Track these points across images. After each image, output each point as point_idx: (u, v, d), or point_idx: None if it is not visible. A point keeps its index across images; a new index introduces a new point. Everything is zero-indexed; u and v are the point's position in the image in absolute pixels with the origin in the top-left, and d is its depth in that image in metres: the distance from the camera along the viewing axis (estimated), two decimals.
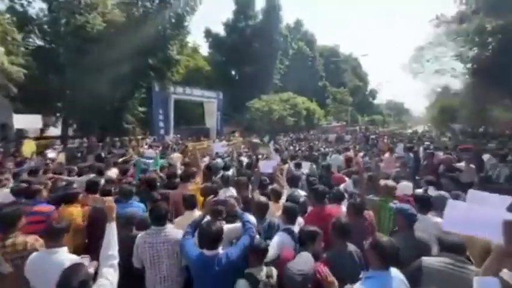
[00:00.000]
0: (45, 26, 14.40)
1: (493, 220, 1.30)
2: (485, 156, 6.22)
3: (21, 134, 15.62)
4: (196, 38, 73.29)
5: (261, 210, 2.51)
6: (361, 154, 8.90)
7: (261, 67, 27.70)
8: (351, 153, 7.45)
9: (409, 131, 28.48)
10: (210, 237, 1.96)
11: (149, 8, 14.34)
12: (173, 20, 14.53)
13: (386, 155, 7.23)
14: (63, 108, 14.50)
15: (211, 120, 21.02)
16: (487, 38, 6.18)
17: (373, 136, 16.23)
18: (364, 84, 56.01)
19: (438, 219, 2.64)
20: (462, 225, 1.37)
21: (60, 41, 13.75)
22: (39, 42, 14.73)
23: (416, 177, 5.77)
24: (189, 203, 2.81)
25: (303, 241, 1.89)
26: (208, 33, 29.69)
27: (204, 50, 30.75)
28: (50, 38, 14.42)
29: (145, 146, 12.23)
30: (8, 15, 11.16)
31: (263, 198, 2.66)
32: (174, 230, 2.30)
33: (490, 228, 1.30)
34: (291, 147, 11.86)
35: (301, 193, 3.42)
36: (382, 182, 3.25)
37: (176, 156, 7.96)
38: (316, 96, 33.72)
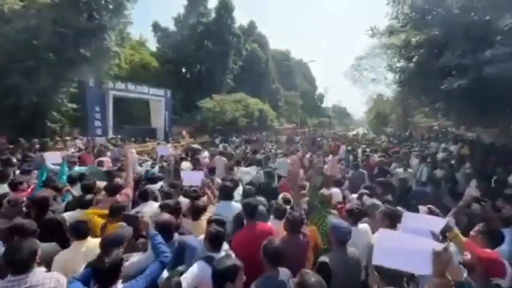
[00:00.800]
0: None
1: (424, 251, 1.19)
2: (412, 159, 6.91)
3: None
4: (143, 32, 68.12)
5: (164, 229, 2.11)
6: (308, 156, 9.18)
7: (213, 66, 27.03)
8: (296, 156, 7.52)
9: (351, 133, 31.15)
10: (102, 273, 1.51)
11: None
12: (110, 7, 12.92)
13: (330, 157, 7.49)
14: None
15: (159, 120, 19.52)
16: (411, 52, 6.91)
17: (319, 138, 17.10)
18: (313, 88, 59.64)
19: (367, 227, 2.63)
20: (393, 258, 1.23)
21: None
22: None
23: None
24: (76, 231, 2.20)
25: (219, 282, 1.56)
26: (156, 27, 27.77)
27: (152, 44, 28.66)
28: None
29: (73, 150, 10.55)
30: None
31: (166, 216, 2.27)
32: (45, 276, 1.66)
33: (420, 261, 1.19)
34: (237, 150, 11.63)
35: (235, 206, 3.04)
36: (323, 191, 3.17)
37: (107, 161, 6.93)
38: (268, 98, 34.40)
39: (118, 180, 3.63)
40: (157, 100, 19.12)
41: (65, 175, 4.09)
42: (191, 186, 3.53)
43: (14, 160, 7.98)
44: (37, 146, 10.78)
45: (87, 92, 13.77)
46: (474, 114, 6.78)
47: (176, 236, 2.23)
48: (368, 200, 3.30)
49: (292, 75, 46.50)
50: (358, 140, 15.28)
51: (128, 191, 3.37)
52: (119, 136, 14.78)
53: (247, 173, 5.35)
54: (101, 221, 2.53)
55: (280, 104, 39.77)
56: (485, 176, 5.15)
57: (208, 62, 26.90)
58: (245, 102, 23.91)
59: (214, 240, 2.00)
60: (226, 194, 3.11)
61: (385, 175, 5.50)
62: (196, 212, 2.75)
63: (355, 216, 2.60)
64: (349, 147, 11.09)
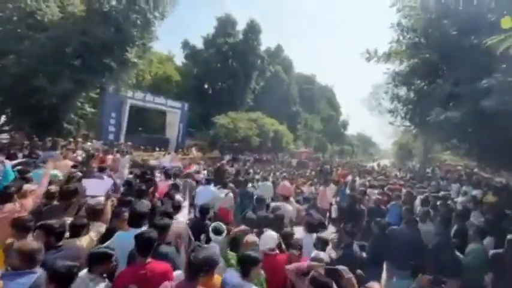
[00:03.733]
0: None
1: None
2: (417, 201, 6.01)
3: None
4: (171, 48, 72.99)
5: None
6: (309, 183, 8.49)
7: (235, 85, 27.66)
8: (287, 182, 6.94)
9: (373, 164, 29.36)
10: None
11: (113, 6, 13.61)
12: (139, 22, 13.85)
13: (321, 188, 6.84)
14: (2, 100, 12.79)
15: (173, 131, 19.98)
16: (409, 78, 6.24)
17: (327, 166, 16.27)
18: (337, 114, 58.46)
19: None
20: None
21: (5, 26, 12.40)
22: None
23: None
24: None
25: None
26: (185, 45, 29.45)
27: (179, 60, 30.32)
28: None
29: (79, 152, 10.87)
30: None
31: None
32: None
33: None
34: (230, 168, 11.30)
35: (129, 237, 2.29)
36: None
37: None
38: (288, 120, 34.14)
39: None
40: (174, 112, 19.70)
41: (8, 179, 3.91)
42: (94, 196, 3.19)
43: (20, 155, 8.36)
44: (48, 145, 11.35)
45: (105, 98, 14.51)
46: (489, 154, 5.80)
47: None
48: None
49: (315, 99, 46.17)
50: (370, 171, 14.20)
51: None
52: (129, 143, 15.18)
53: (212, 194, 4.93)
54: None
55: (299, 127, 39.25)
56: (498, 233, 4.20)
57: (231, 80, 27.64)
58: (261, 121, 23.80)
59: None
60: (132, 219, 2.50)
61: (374, 216, 4.74)
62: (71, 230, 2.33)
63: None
64: (357, 178, 10.23)
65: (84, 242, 2.27)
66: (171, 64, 26.86)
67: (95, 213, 2.69)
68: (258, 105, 30.39)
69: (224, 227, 2.80)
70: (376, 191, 6.73)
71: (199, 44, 29.88)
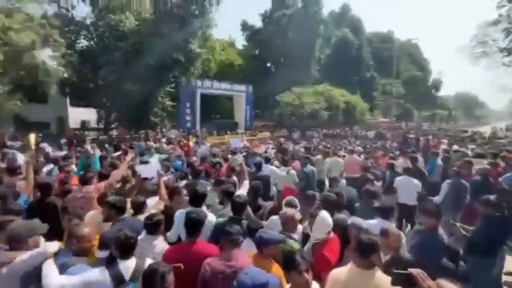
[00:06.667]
0: (91, 28, 15.78)
1: None
2: None
3: (85, 126, 18.25)
4: (232, 33, 74.11)
5: None
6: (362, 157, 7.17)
7: (297, 58, 26.21)
8: (357, 156, 6.11)
9: (481, 128, 23.33)
10: None
11: (175, 3, 14.53)
12: (196, 12, 14.44)
13: (400, 160, 5.76)
14: (105, 101, 15.91)
15: (240, 114, 20.76)
16: None
17: (411, 135, 13.70)
18: (425, 74, 48.80)
19: None
20: None
21: (100, 41, 14.99)
22: (86, 43, 16.31)
23: None
24: None
25: None
26: (244, 26, 29.38)
27: (240, 43, 30.65)
28: (95, 38, 15.78)
29: (163, 140, 12.51)
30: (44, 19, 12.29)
31: None
32: None
33: None
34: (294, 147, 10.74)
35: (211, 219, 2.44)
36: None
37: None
38: (361, 89, 30.61)
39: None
40: (240, 95, 20.31)
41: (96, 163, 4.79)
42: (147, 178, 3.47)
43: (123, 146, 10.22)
44: (141, 136, 13.52)
45: (180, 91, 16.05)
46: None
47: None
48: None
49: (394, 60, 39.60)
50: (474, 138, 11.27)
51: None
52: (204, 129, 16.58)
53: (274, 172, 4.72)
54: None
55: (375, 95, 34.75)
56: None
57: (293, 54, 26.30)
58: (328, 94, 22.06)
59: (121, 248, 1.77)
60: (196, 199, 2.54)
61: (481, 192, 3.62)
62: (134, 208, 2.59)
63: None
64: (455, 147, 8.24)
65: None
66: (233, 49, 27.44)
67: (149, 192, 3.09)
68: (325, 76, 28.17)
69: (296, 201, 2.60)
70: (485, 161, 5.20)
71: (258, 23, 29.41)
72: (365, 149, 10.37)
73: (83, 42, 16.16)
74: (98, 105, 17.18)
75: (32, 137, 6.40)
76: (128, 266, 1.73)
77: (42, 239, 1.98)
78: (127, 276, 1.70)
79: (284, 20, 26.63)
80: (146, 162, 4.29)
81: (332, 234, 2.20)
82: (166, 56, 14.23)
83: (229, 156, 6.76)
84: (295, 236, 2.29)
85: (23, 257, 1.71)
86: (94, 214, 2.57)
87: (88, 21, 15.60)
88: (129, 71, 13.51)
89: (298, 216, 2.29)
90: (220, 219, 2.46)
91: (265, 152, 8.78)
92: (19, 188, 3.10)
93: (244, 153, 7.37)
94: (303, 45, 26.08)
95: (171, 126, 17.10)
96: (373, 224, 2.34)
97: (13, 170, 3.93)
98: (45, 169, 4.58)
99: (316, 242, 2.15)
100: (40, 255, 1.76)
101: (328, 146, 10.68)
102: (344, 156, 6.98)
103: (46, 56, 11.88)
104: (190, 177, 4.21)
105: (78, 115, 19.17)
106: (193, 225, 2.02)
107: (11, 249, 1.86)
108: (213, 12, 15.59)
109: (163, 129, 15.26)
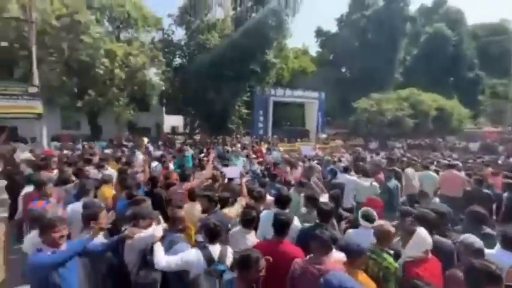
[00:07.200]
0: (184, 48, 18.50)
1: None
2: None
3: (175, 131, 21.79)
4: (306, 40, 73.44)
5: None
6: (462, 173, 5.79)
7: (377, 61, 24.07)
8: (456, 172, 5.07)
9: None
10: None
11: (252, 17, 15.58)
12: (273, 24, 15.10)
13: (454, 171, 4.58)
14: (190, 110, 18.30)
15: (311, 121, 20.42)
16: None
17: None
18: None
19: None
20: None
21: (190, 58, 17.43)
22: (180, 60, 19.16)
23: None
24: None
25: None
26: (319, 32, 28.96)
27: (314, 50, 30.29)
28: (187, 56, 18.41)
29: (238, 146, 13.44)
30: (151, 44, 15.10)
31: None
32: None
33: None
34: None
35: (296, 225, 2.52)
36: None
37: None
38: (459, 92, 25.69)
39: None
40: (312, 102, 20.05)
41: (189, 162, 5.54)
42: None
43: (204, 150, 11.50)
44: (220, 141, 14.88)
45: (254, 99, 16.99)
46: None
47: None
48: None
49: (508, 55, 31.72)
50: None
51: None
52: (275, 136, 17.02)
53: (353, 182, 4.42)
54: None
55: (481, 99, 28.56)
56: None
57: (372, 57, 24.31)
58: (414, 99, 19.35)
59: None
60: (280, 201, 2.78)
61: None
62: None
63: None
64: None
65: (233, 213, 2.90)
66: (306, 56, 27.34)
67: (234, 191, 3.55)
68: (411, 79, 24.85)
69: (375, 213, 2.46)
70: None
71: (333, 28, 28.56)
72: (465, 163, 8.58)
73: (177, 60, 19.13)
74: (185, 113, 19.94)
75: (145, 139, 8.03)
76: (215, 250, 2.05)
77: (154, 223, 2.46)
78: (215, 257, 2.01)
79: (362, 22, 25.01)
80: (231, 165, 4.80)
81: (430, 255, 1.96)
82: (244, 67, 15.36)
83: (300, 163, 6.72)
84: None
85: (141, 235, 2.18)
86: (191, 205, 3.02)
87: (182, 42, 18.36)
88: (212, 82, 15.16)
89: (393, 230, 2.13)
90: (306, 224, 2.52)
91: (339, 160, 8.33)
92: (138, 179, 3.92)
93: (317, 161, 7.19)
94: (383, 46, 23.83)
95: (245, 133, 18.27)
96: (494, 254, 1.97)
97: (130, 163, 5.00)
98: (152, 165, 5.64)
99: (409, 261, 1.97)
100: (152, 237, 2.20)
101: (415, 158, 9.33)
102: (438, 171, 5.97)
103: (152, 73, 14.62)
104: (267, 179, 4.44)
105: (169, 121, 22.90)
106: (282, 226, 2.17)
107: (133, 224, 2.37)
108: (289, 23, 16.06)
109: (238, 136, 16.41)
